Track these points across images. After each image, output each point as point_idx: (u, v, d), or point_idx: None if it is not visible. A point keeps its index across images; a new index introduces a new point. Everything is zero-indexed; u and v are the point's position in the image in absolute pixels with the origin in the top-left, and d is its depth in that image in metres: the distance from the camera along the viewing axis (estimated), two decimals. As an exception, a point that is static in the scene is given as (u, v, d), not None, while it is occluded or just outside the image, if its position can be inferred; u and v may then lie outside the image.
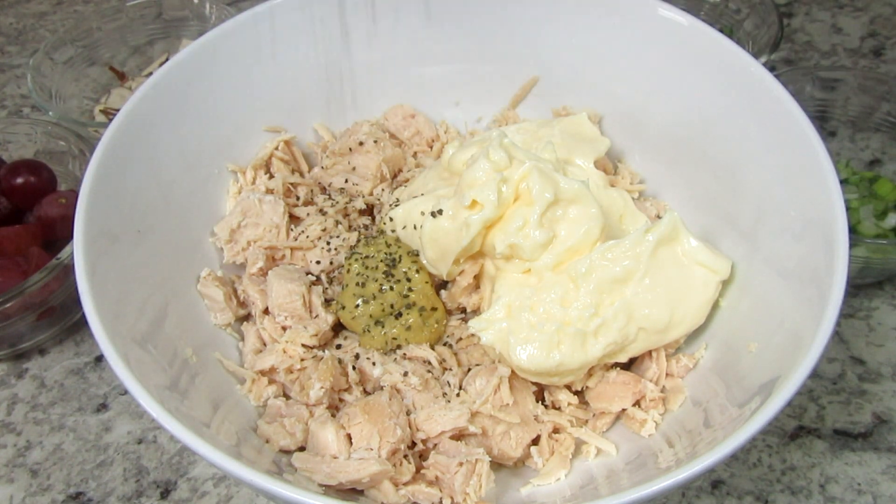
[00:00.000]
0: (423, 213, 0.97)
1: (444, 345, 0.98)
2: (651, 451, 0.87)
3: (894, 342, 1.13)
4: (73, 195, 1.19)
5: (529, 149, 1.01)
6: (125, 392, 1.11)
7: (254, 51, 1.08)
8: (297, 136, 1.15)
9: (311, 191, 1.12)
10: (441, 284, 1.01)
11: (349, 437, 0.84)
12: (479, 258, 0.97)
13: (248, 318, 1.03)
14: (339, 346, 0.98)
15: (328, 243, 1.03)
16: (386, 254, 0.99)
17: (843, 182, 1.07)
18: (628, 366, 0.96)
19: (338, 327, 1.00)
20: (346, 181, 1.12)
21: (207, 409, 0.85)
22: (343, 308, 0.97)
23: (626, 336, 0.89)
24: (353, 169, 1.11)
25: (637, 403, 0.92)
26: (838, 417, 1.06)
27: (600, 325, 0.88)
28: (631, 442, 0.91)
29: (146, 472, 1.03)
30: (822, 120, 1.35)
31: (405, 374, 0.91)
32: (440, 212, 0.95)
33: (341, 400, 0.93)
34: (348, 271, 0.99)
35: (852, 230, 1.15)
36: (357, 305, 0.96)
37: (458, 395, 0.91)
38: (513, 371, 0.90)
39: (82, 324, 1.19)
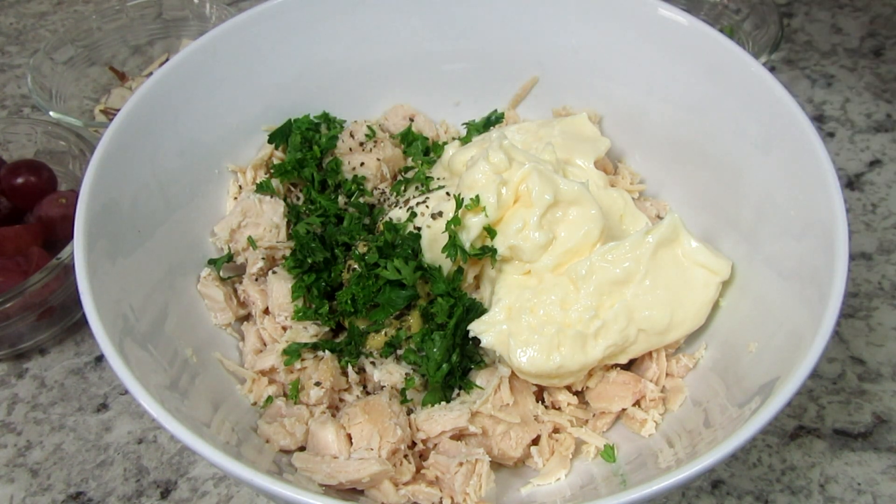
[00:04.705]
0: (422, 215, 0.97)
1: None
2: (651, 451, 0.87)
3: (894, 342, 1.13)
4: (73, 195, 1.19)
5: (529, 149, 1.01)
6: (125, 392, 1.11)
7: (254, 51, 1.07)
8: (298, 136, 1.15)
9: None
10: (441, 284, 1.01)
11: (349, 437, 0.84)
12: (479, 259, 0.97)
13: (248, 318, 1.03)
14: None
15: (328, 243, 1.03)
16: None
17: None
18: (628, 366, 0.96)
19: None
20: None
21: (207, 409, 0.85)
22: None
23: (627, 338, 0.89)
24: (353, 169, 1.11)
25: (637, 403, 0.92)
26: (838, 417, 1.06)
27: (600, 327, 0.88)
28: (631, 442, 0.91)
29: (146, 471, 1.03)
30: (821, 120, 1.35)
31: (405, 374, 0.91)
32: (440, 213, 0.95)
33: (341, 400, 0.93)
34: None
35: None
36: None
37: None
38: (513, 371, 0.90)
39: (82, 324, 1.19)
